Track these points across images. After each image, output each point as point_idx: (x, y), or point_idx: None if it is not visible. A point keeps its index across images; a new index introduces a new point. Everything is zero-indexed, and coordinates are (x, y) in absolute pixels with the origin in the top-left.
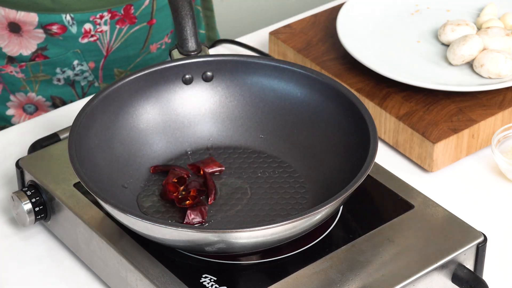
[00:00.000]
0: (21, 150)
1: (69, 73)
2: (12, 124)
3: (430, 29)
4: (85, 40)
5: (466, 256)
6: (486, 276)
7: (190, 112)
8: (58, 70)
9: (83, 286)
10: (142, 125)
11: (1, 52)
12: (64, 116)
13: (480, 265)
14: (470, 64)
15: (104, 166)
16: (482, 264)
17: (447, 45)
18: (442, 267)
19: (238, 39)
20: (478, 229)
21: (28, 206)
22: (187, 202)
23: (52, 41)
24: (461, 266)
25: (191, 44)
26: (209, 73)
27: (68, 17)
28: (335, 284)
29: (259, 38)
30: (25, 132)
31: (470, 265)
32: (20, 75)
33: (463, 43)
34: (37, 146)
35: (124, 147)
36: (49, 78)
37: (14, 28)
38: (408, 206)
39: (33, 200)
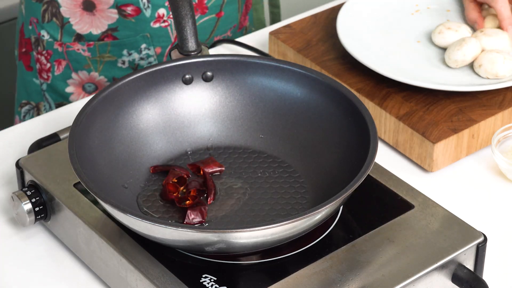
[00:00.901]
0: (21, 150)
1: (135, 56)
2: (69, 102)
3: (430, 29)
4: (157, 25)
5: (466, 256)
6: (486, 276)
7: (190, 112)
8: (125, 52)
9: (83, 286)
10: (142, 125)
11: (71, 29)
12: (64, 116)
13: (480, 265)
14: (470, 64)
15: (104, 166)
16: (482, 264)
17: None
18: (442, 267)
19: (238, 39)
20: (478, 229)
21: (28, 206)
22: (187, 202)
23: (123, 23)
24: (461, 266)
25: (191, 44)
26: (209, 73)
27: (145, 0)
28: (335, 284)
29: (259, 38)
30: (25, 132)
31: (470, 265)
32: (87, 54)
33: (458, 48)
34: (37, 146)
35: (124, 147)
36: (115, 59)
37: (88, 6)
38: (408, 206)
39: (33, 200)
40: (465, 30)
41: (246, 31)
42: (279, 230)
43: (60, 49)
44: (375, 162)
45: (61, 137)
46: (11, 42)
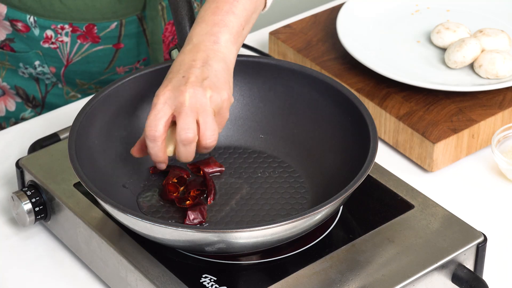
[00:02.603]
0: (21, 150)
1: (31, 70)
2: None
3: (430, 29)
4: (46, 45)
5: (466, 256)
6: (486, 276)
7: None
8: (21, 64)
9: (83, 286)
10: (142, 125)
11: None
12: (64, 116)
13: (480, 265)
14: (470, 65)
15: (104, 166)
16: (482, 264)
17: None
18: (442, 267)
19: None
20: (478, 229)
21: (28, 206)
22: (187, 202)
23: (18, 36)
24: (461, 266)
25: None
26: None
27: (32, 19)
28: (335, 284)
29: (259, 38)
30: (25, 132)
31: (470, 265)
32: None
33: (457, 49)
34: (37, 146)
35: (124, 147)
36: (15, 68)
37: None
38: (408, 206)
39: (33, 200)
40: (464, 30)
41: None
42: (279, 230)
43: None
44: (375, 162)
45: (61, 137)
46: None
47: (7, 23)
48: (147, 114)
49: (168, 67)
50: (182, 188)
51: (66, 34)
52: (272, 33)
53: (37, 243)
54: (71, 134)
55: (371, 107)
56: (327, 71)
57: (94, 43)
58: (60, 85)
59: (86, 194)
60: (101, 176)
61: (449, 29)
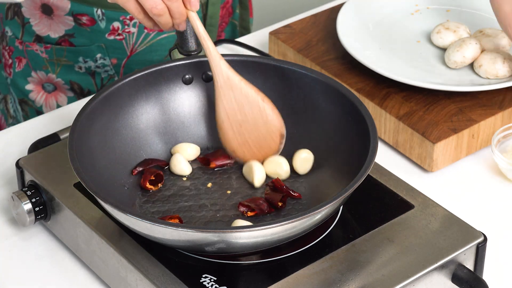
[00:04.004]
0: (21, 150)
1: (91, 64)
2: (30, 99)
3: (430, 29)
4: (111, 37)
5: (466, 256)
6: (486, 276)
7: (190, 112)
8: (80, 59)
9: (83, 286)
10: (142, 125)
11: (31, 29)
12: (64, 116)
13: (480, 265)
14: (470, 65)
15: (104, 166)
16: (482, 264)
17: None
18: (442, 267)
19: (238, 39)
20: (478, 229)
21: (28, 206)
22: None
23: (79, 31)
24: (461, 266)
25: (191, 44)
26: (209, 73)
27: (99, 12)
28: (335, 284)
29: (259, 38)
30: (25, 132)
31: (470, 265)
32: (44, 55)
33: (457, 49)
34: (37, 146)
35: (124, 147)
36: (71, 64)
37: (46, 10)
38: (408, 206)
39: (33, 200)
40: (464, 30)
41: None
42: (279, 230)
43: (20, 47)
44: (375, 162)
45: (61, 137)
46: None
47: (70, 18)
48: (147, 114)
49: (168, 67)
50: (160, 185)
51: (134, 25)
52: (272, 33)
53: (37, 243)
54: (71, 134)
55: (371, 107)
56: (327, 71)
57: (160, 31)
58: (116, 78)
59: (86, 194)
60: (101, 176)
61: (449, 29)
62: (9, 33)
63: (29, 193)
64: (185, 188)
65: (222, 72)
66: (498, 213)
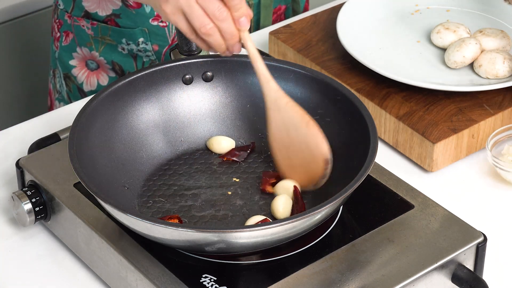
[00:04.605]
0: (21, 150)
1: (133, 47)
2: (72, 75)
3: (430, 29)
4: (155, 23)
5: (466, 256)
6: (486, 276)
7: (190, 112)
8: (124, 40)
9: (83, 286)
10: (142, 125)
11: (81, 4)
12: (64, 116)
13: (480, 265)
14: (470, 65)
15: (104, 166)
16: (482, 264)
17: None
18: (442, 267)
19: None
20: (478, 229)
21: (28, 206)
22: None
23: (126, 12)
24: (461, 266)
25: (191, 44)
26: (209, 73)
27: None
28: (335, 284)
29: (259, 38)
30: (25, 132)
31: (470, 265)
32: (90, 32)
33: (457, 49)
34: (37, 146)
35: (124, 147)
36: (115, 44)
37: None
38: (408, 206)
39: (33, 200)
40: (464, 30)
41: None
42: (279, 230)
43: (69, 21)
44: (375, 162)
45: (61, 137)
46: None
47: None
48: (147, 114)
49: (168, 67)
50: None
51: None
52: (272, 33)
53: (37, 243)
54: (71, 134)
55: (371, 107)
56: (327, 71)
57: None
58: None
59: (86, 194)
60: (101, 176)
61: (449, 29)
62: (61, 6)
63: (29, 193)
64: (185, 188)
65: (271, 93)
66: (498, 213)
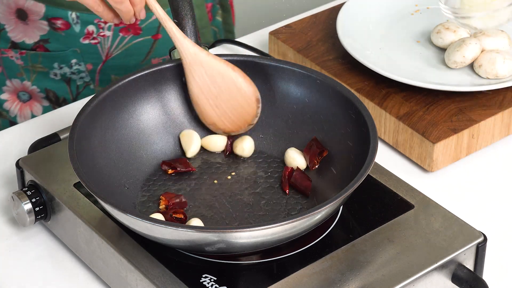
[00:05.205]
0: (21, 150)
1: (66, 70)
2: (4, 109)
3: (430, 29)
4: (86, 41)
5: (466, 256)
6: (486, 276)
7: (190, 112)
8: (55, 65)
9: (83, 286)
10: (142, 125)
11: (6, 35)
12: (64, 116)
13: (480, 265)
14: (470, 65)
15: (104, 166)
16: (482, 264)
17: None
18: (442, 267)
19: (238, 39)
20: (478, 229)
21: (28, 206)
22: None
23: (54, 36)
24: (461, 266)
25: (144, 14)
26: None
27: (74, 15)
28: (335, 284)
29: (259, 38)
30: (25, 132)
31: (470, 265)
32: (19, 62)
33: (457, 49)
34: (37, 146)
35: (124, 147)
36: (46, 71)
37: (21, 15)
38: (408, 206)
39: (33, 200)
40: (464, 30)
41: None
42: (279, 230)
43: None
44: (375, 162)
45: (61, 137)
46: None
47: (44, 22)
48: (147, 114)
49: (168, 67)
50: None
51: (109, 28)
52: (272, 33)
53: (37, 243)
54: (71, 134)
55: (371, 107)
56: (327, 71)
57: (135, 35)
58: (92, 86)
59: (86, 194)
60: (101, 176)
61: (449, 29)
62: None
63: (29, 193)
64: (185, 188)
65: (189, 49)
66: (498, 213)
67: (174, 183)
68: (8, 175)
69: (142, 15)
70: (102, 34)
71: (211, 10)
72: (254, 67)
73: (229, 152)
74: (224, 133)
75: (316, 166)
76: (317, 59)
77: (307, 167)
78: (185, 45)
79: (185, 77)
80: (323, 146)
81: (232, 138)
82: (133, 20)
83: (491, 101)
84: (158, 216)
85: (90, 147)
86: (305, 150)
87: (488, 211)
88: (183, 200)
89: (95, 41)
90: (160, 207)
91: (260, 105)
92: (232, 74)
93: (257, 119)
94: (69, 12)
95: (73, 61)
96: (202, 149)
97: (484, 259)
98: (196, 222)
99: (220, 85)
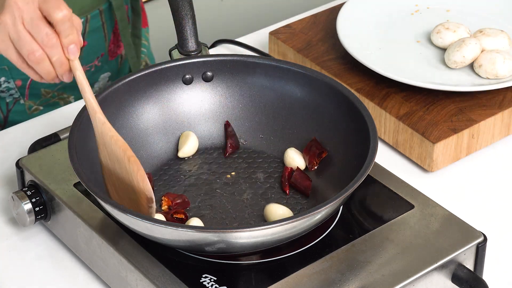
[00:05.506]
0: (21, 150)
1: None
2: None
3: (430, 29)
4: None
5: (466, 256)
6: (486, 276)
7: (190, 112)
8: None
9: (83, 286)
10: (142, 125)
11: None
12: (64, 116)
13: (480, 265)
14: (470, 65)
15: None
16: (482, 264)
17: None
18: (442, 267)
19: (238, 39)
20: (478, 229)
21: (28, 206)
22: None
23: None
24: (461, 266)
25: (191, 44)
26: (209, 73)
27: None
28: (335, 284)
29: (259, 38)
30: (25, 132)
31: (470, 265)
32: None
33: (457, 49)
34: (37, 146)
35: None
36: None
37: None
38: (408, 206)
39: (33, 200)
40: (464, 30)
41: (122, 59)
42: (279, 230)
43: None
44: (375, 162)
45: (61, 137)
46: None
47: None
48: (147, 114)
49: (168, 67)
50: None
51: None
52: (272, 33)
53: (37, 243)
54: (71, 134)
55: (371, 107)
56: (327, 71)
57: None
58: (22, 101)
59: (86, 194)
60: (101, 176)
61: (449, 29)
62: None
63: (29, 193)
64: (186, 188)
65: (98, 127)
66: (498, 213)
67: (174, 183)
68: (8, 175)
69: (65, 78)
70: None
71: (127, 13)
72: (254, 67)
73: (228, 153)
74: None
75: (315, 167)
76: (317, 59)
77: (307, 167)
78: (97, 122)
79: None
80: (323, 147)
81: (232, 139)
82: (57, 80)
83: (491, 101)
84: (159, 216)
85: (90, 147)
86: (304, 151)
87: (488, 211)
88: (186, 200)
89: None
90: (163, 208)
91: (153, 205)
92: (127, 165)
93: (153, 214)
94: None
95: (2, 79)
96: (202, 149)
97: (484, 259)
98: (196, 222)
99: (118, 172)
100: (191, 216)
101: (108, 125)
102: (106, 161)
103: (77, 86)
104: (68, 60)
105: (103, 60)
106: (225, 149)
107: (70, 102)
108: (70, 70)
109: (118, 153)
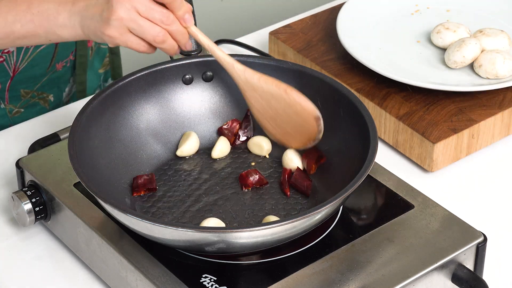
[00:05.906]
0: (21, 150)
1: None
2: None
3: (430, 29)
4: None
5: (466, 256)
6: (486, 276)
7: (190, 112)
8: None
9: (83, 286)
10: (142, 125)
11: None
12: (64, 116)
13: (480, 265)
14: (470, 65)
15: (104, 166)
16: (482, 264)
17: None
18: (442, 267)
19: (238, 39)
20: (478, 229)
21: (28, 206)
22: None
23: None
24: (461, 266)
25: (191, 44)
26: (209, 73)
27: None
28: (335, 284)
29: (259, 38)
30: (25, 132)
31: (470, 265)
32: None
33: (457, 49)
34: (37, 146)
35: (124, 147)
36: None
37: None
38: (408, 206)
39: (33, 200)
40: (464, 30)
41: (92, 50)
42: (279, 230)
43: None
44: (375, 162)
45: (61, 137)
46: None
47: None
48: (147, 114)
49: (168, 67)
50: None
51: None
52: (272, 33)
53: (37, 243)
54: (71, 134)
55: (371, 107)
56: (327, 71)
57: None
58: (2, 105)
59: (86, 194)
60: (101, 176)
61: (449, 29)
62: None
63: (29, 193)
64: (186, 188)
65: (240, 76)
66: (498, 213)
67: (174, 183)
68: (8, 175)
69: (188, 47)
70: (6, 51)
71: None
72: (254, 67)
73: (236, 143)
74: (292, 148)
75: (313, 171)
76: (317, 59)
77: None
78: (238, 72)
79: (246, 100)
80: (322, 152)
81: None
82: (178, 51)
83: (491, 101)
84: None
85: (90, 147)
86: (304, 155)
87: (488, 211)
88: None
89: (1, 59)
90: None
91: (321, 122)
92: (285, 97)
93: (321, 134)
94: None
95: None
96: (202, 149)
97: (484, 259)
98: (213, 222)
99: (276, 107)
100: (191, 217)
101: (249, 70)
102: (258, 103)
103: (55, 84)
104: (186, 28)
105: (76, 55)
106: (231, 141)
107: (50, 101)
108: (189, 37)
109: (272, 89)
